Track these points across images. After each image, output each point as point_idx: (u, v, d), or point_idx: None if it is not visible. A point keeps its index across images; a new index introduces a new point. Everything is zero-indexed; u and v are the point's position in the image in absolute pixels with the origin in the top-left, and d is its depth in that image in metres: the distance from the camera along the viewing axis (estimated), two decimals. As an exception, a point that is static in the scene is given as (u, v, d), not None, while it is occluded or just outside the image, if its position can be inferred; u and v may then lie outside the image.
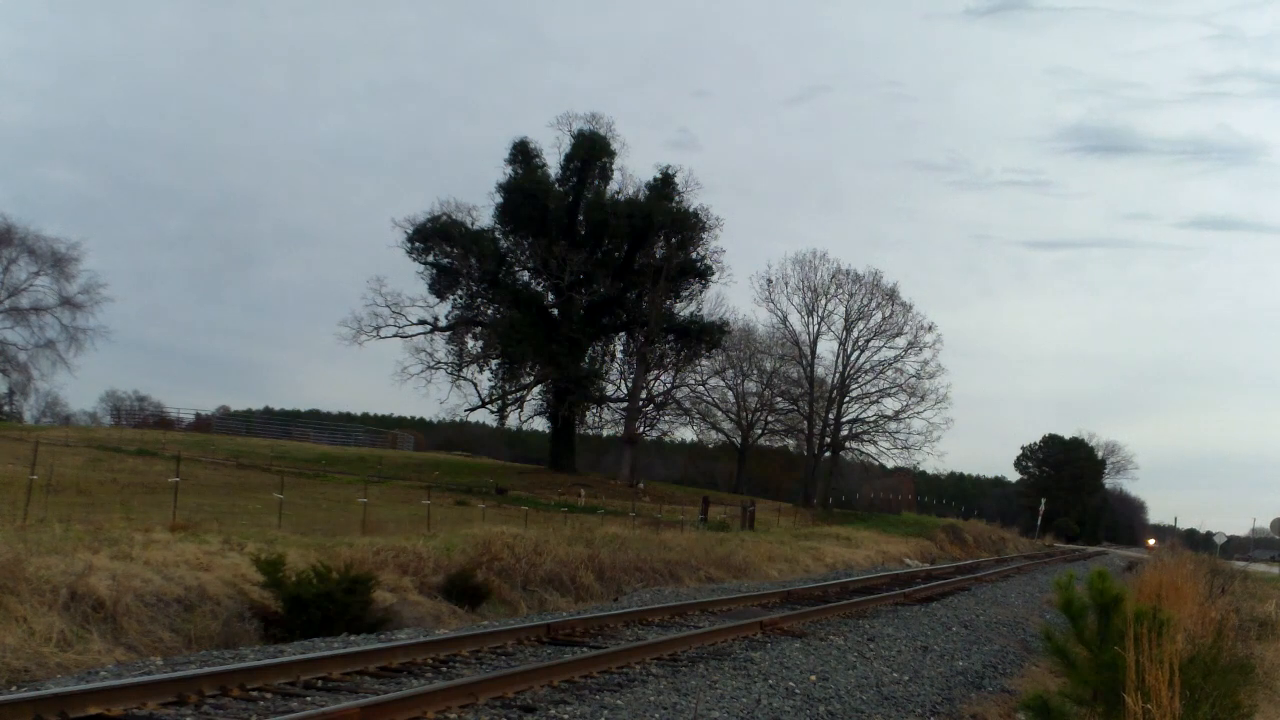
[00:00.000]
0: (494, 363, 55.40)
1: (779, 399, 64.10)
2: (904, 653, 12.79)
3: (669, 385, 59.96)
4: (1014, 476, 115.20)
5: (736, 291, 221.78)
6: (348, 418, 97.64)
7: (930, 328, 58.37)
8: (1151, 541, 73.81)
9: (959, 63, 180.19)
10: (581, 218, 55.63)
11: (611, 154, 56.31)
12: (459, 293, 55.92)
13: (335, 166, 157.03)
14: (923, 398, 58.96)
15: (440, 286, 55.22)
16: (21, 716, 6.61)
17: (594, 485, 49.42)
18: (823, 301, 58.73)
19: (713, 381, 63.15)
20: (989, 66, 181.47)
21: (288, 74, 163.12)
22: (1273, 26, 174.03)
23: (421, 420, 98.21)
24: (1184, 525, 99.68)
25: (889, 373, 59.55)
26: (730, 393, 64.49)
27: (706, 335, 57.07)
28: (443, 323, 55.72)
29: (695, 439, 68.89)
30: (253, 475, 38.76)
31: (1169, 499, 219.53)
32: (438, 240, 54.39)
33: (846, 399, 60.28)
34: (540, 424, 61.19)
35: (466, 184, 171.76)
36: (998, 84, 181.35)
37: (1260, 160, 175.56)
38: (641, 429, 59.23)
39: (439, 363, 55.14)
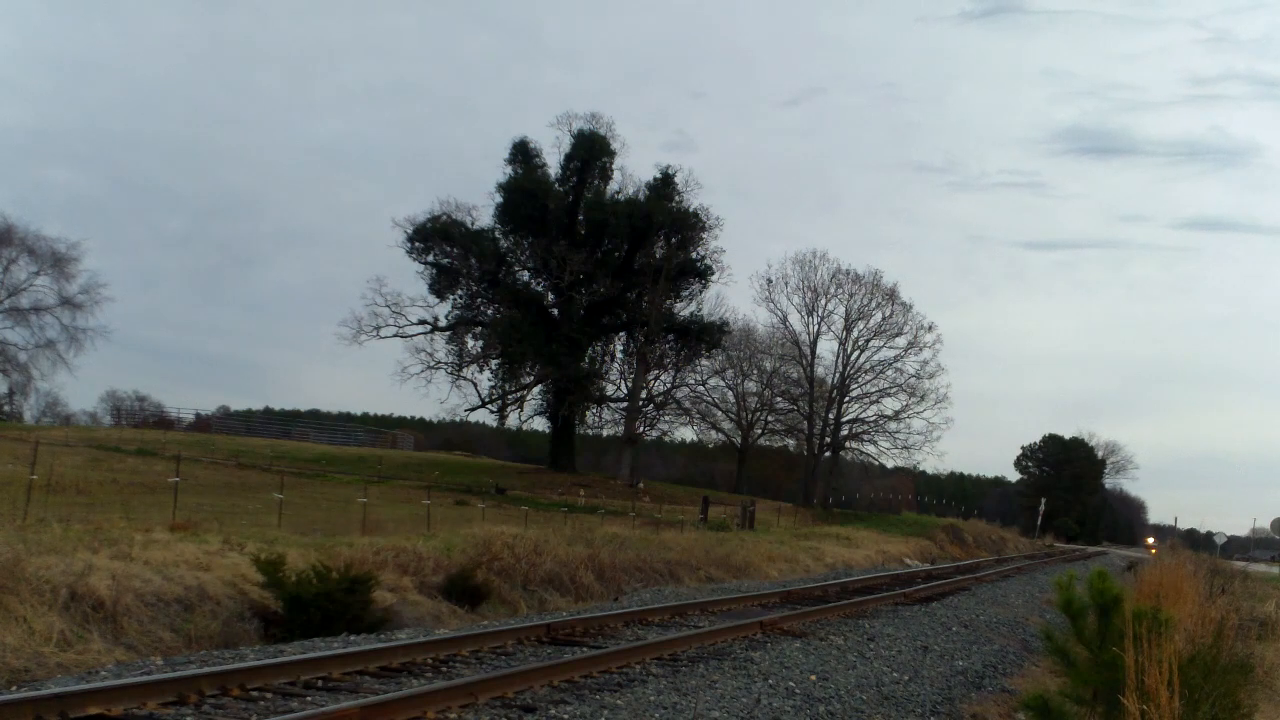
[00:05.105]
0: (494, 363, 55.42)
1: (779, 399, 64.09)
2: (904, 653, 12.78)
3: (669, 385, 60.04)
4: (1014, 476, 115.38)
5: (736, 291, 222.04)
6: (348, 418, 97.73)
7: (930, 327, 58.49)
8: (1151, 541, 73.76)
9: (954, 65, 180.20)
10: (581, 217, 55.62)
11: (611, 154, 56.32)
12: (459, 293, 55.95)
13: (334, 167, 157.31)
14: (922, 398, 59.07)
15: (440, 286, 55.22)
16: (21, 716, 6.60)
17: (594, 485, 49.40)
18: (823, 301, 58.86)
19: (713, 381, 63.21)
20: (984, 69, 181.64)
21: (287, 75, 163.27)
22: (1265, 30, 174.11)
23: (421, 420, 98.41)
24: (1184, 525, 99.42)
25: (889, 373, 59.69)
26: (730, 393, 64.55)
27: (706, 335, 57.06)
28: (443, 323, 55.80)
29: (695, 439, 68.99)
30: (253, 475, 38.76)
31: (1169, 499, 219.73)
32: (438, 240, 54.39)
33: (846, 399, 60.29)
34: (540, 424, 61.32)
35: (466, 184, 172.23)
36: (993, 86, 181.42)
37: (1254, 162, 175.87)
38: (641, 429, 59.23)
39: (439, 363, 55.21)
